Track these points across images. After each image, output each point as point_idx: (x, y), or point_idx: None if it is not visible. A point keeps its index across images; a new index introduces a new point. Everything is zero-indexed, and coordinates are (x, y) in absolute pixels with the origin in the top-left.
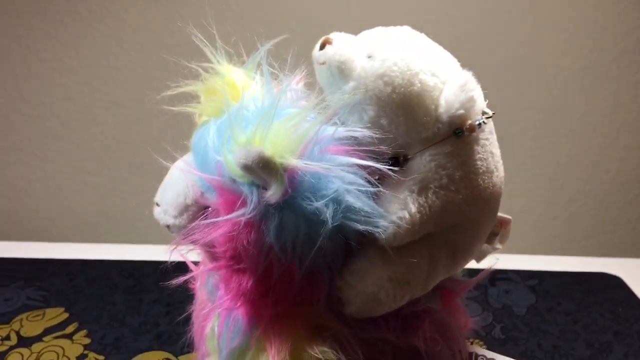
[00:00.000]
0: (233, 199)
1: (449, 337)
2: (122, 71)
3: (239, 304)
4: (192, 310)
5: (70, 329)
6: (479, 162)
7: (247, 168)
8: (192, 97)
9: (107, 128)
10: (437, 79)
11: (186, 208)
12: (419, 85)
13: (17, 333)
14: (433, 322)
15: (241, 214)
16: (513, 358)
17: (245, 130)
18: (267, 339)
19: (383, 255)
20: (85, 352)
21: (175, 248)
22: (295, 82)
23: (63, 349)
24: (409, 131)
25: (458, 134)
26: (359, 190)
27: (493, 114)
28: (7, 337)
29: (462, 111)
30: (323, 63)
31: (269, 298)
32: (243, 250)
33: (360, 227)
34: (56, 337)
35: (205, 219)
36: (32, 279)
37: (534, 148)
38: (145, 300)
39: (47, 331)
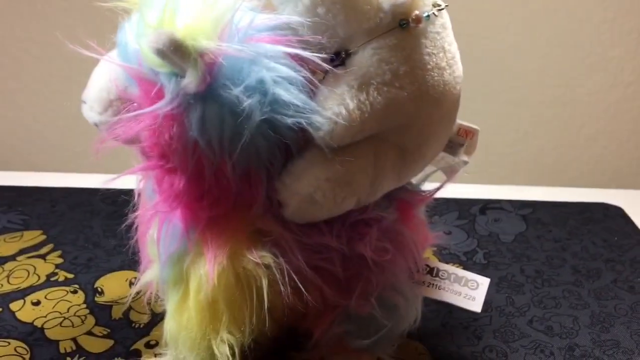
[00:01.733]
0: (153, 90)
1: (403, 248)
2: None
3: (174, 206)
4: (135, 218)
5: (45, 249)
6: (426, 57)
7: (160, 53)
8: None
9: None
10: None
11: (110, 103)
12: None
13: None
14: (384, 232)
15: (160, 106)
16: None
17: (154, 11)
18: (204, 243)
19: (322, 155)
20: (56, 270)
21: (101, 145)
22: None
23: (35, 267)
24: (348, 21)
25: (403, 25)
26: (289, 82)
27: (446, 6)
28: None
29: None
30: None
31: (204, 201)
32: (167, 146)
33: (289, 121)
34: (30, 257)
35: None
36: (15, 204)
37: (554, 86)
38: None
39: (22, 251)
